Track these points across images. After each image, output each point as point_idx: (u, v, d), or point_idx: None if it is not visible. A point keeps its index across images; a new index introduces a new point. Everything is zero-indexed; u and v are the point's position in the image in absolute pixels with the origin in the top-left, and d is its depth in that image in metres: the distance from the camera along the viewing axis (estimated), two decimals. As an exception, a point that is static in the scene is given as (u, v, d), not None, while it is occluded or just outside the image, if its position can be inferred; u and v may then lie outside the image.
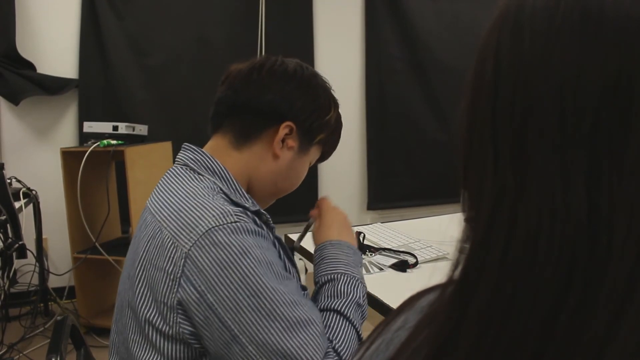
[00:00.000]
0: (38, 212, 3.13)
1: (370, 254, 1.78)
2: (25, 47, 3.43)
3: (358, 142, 4.29)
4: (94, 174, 3.13)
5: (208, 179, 1.00)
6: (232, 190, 1.00)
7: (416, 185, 4.32)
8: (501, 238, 0.36)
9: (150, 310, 0.91)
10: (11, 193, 2.67)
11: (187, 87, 3.70)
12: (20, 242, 2.54)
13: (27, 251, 2.69)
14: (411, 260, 1.68)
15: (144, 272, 0.93)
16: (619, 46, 0.33)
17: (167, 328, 0.89)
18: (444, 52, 4.22)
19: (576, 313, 0.33)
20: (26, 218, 2.89)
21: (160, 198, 0.98)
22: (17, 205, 2.71)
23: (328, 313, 0.98)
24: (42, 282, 3.19)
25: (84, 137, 3.17)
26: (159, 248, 0.91)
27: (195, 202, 0.93)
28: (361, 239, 1.88)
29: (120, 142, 2.98)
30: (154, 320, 0.90)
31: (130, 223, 2.95)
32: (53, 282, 3.38)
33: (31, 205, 3.07)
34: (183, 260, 0.87)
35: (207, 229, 0.88)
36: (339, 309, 0.99)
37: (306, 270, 1.89)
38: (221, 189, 0.99)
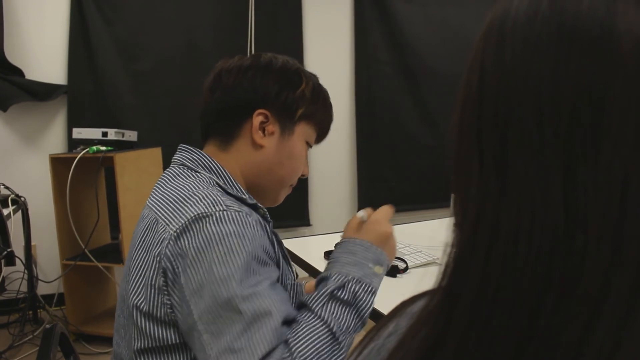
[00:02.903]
0: (27, 219, 3.11)
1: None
2: (14, 53, 3.41)
3: (347, 147, 4.29)
4: (83, 181, 3.11)
5: (204, 174, 1.03)
6: (228, 185, 1.03)
7: (406, 189, 4.33)
8: (485, 241, 0.37)
9: (140, 296, 0.92)
10: (-1, 200, 2.65)
11: (177, 92, 3.69)
12: (8, 249, 2.51)
13: (16, 258, 2.67)
14: (401, 265, 1.68)
15: (138, 260, 0.95)
16: (592, 55, 0.34)
17: (155, 310, 0.91)
18: (433, 57, 4.25)
19: (554, 315, 0.34)
20: (15, 225, 2.87)
21: (158, 194, 1.01)
22: (5, 212, 2.68)
23: (301, 310, 0.93)
24: (30, 289, 3.16)
25: (73, 144, 3.15)
26: (153, 236, 0.94)
27: (189, 192, 0.96)
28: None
29: (109, 148, 2.96)
30: (141, 305, 0.92)
31: (119, 229, 2.93)
32: (42, 289, 3.35)
33: (20, 212, 3.05)
34: (167, 241, 0.90)
35: (195, 214, 0.90)
36: (306, 302, 0.92)
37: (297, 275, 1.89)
38: (217, 183, 1.02)
